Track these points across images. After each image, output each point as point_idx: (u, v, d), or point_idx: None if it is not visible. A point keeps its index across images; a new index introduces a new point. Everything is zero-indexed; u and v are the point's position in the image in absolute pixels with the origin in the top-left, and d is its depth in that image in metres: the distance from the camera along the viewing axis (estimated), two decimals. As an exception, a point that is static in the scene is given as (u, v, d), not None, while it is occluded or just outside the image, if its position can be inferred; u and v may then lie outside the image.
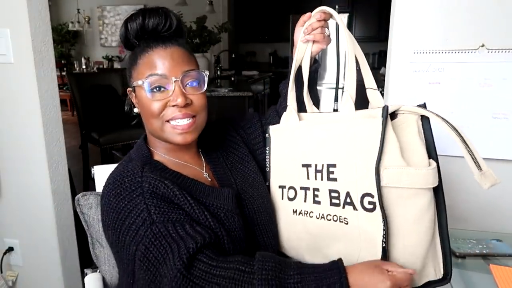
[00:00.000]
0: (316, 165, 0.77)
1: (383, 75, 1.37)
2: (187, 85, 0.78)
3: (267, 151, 0.90)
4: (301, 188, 0.81)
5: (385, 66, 1.35)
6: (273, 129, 0.90)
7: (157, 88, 0.76)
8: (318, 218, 0.77)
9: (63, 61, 6.92)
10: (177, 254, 0.63)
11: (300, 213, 0.81)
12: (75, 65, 6.69)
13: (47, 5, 1.50)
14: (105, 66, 6.76)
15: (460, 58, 1.15)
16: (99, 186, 1.07)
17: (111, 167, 1.06)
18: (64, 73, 6.08)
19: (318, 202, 0.77)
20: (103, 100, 3.19)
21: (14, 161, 1.56)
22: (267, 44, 6.84)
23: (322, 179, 0.76)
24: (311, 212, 0.79)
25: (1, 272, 1.67)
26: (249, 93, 3.43)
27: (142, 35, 0.80)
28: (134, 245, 0.68)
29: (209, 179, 0.86)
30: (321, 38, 0.85)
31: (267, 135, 0.90)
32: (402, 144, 0.67)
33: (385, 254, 0.66)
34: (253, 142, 0.97)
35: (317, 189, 0.77)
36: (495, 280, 0.86)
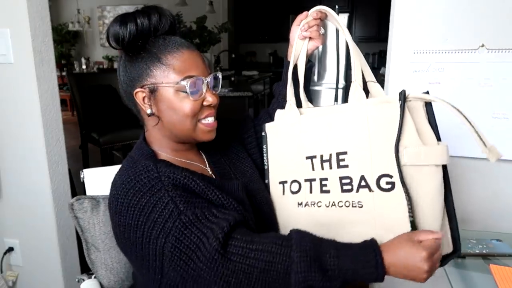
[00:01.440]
0: (322, 156, 0.80)
1: (383, 75, 1.37)
2: (213, 86, 0.83)
3: (264, 149, 0.92)
4: (306, 180, 0.83)
5: (385, 66, 1.35)
6: (269, 127, 0.92)
7: (194, 90, 0.78)
8: (328, 207, 0.79)
9: (63, 61, 6.93)
10: (212, 236, 0.64)
11: (306, 205, 0.82)
12: (75, 65, 6.69)
13: (47, 5, 1.50)
14: (105, 66, 6.76)
15: (460, 58, 1.15)
16: (90, 189, 1.05)
17: (101, 170, 1.06)
18: (64, 73, 6.08)
19: (327, 191, 0.79)
20: (103, 100, 3.19)
21: (14, 161, 1.56)
22: (267, 44, 6.85)
23: (331, 168, 0.78)
24: (319, 202, 0.80)
25: (1, 272, 1.67)
26: (249, 93, 3.43)
27: (146, 35, 0.79)
28: (163, 237, 0.67)
29: (213, 176, 0.88)
30: (317, 35, 0.90)
31: (263, 133, 0.92)
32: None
33: (414, 226, 0.70)
34: (248, 147, 1.00)
35: (325, 179, 0.79)
36: (495, 280, 0.86)
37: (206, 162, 0.91)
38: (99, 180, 1.04)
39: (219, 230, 0.64)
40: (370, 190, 0.73)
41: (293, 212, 0.84)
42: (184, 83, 0.76)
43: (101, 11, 7.15)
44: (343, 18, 5.73)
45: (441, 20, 1.16)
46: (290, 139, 0.86)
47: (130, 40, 0.78)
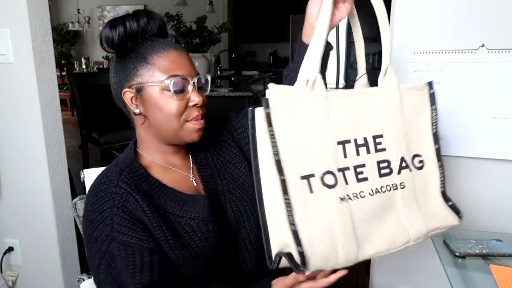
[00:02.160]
0: (356, 140, 0.72)
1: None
2: (202, 88, 0.82)
3: (271, 133, 0.66)
4: (339, 170, 0.70)
5: (385, 66, 1.35)
6: (279, 103, 0.68)
7: (180, 90, 0.78)
8: (372, 195, 0.72)
9: (63, 61, 6.92)
10: (132, 285, 0.70)
11: (349, 199, 0.70)
12: (75, 65, 6.69)
13: (47, 5, 1.50)
14: (105, 66, 6.76)
15: (460, 58, 1.15)
16: None
17: (101, 170, 1.05)
18: (64, 73, 6.08)
19: (365, 179, 0.72)
20: (103, 100, 3.18)
21: (14, 161, 1.56)
22: (267, 44, 6.84)
23: (369, 152, 0.73)
24: (361, 192, 0.71)
25: (1, 272, 1.67)
26: (249, 93, 3.43)
27: (135, 37, 0.80)
28: (98, 259, 0.73)
29: (194, 183, 0.86)
30: None
31: (266, 111, 0.66)
32: None
33: (446, 197, 0.79)
34: (242, 143, 0.95)
35: (362, 165, 0.72)
36: (495, 280, 0.86)
37: (192, 167, 0.88)
38: (99, 180, 1.04)
39: (138, 285, 0.70)
40: (410, 170, 0.77)
41: (336, 210, 0.68)
42: (168, 81, 0.77)
43: (101, 11, 7.16)
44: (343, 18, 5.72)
45: (441, 20, 1.16)
46: (315, 120, 0.69)
47: (119, 42, 0.80)
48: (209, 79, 0.84)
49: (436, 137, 0.80)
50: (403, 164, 0.76)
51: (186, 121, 0.79)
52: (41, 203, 1.58)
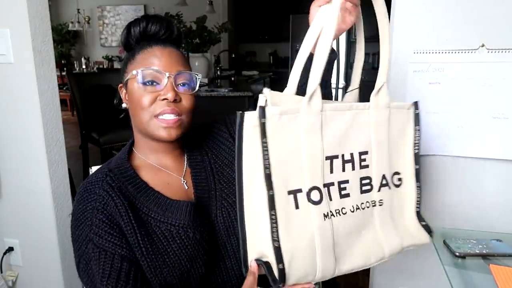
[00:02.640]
0: (343, 155, 0.72)
1: (383, 75, 1.37)
2: (179, 85, 0.80)
3: (264, 146, 0.64)
4: (325, 185, 0.69)
5: (385, 66, 1.35)
6: (274, 113, 0.65)
7: (150, 82, 0.78)
8: (353, 212, 0.72)
9: (63, 61, 6.92)
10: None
11: (332, 215, 0.69)
12: (75, 65, 6.69)
13: (47, 5, 1.50)
14: (105, 66, 6.76)
15: (460, 58, 1.15)
16: None
17: None
18: (64, 73, 6.08)
19: (347, 195, 0.72)
20: (103, 100, 3.18)
21: (14, 161, 1.56)
22: (267, 44, 6.84)
23: (353, 169, 0.73)
24: (343, 208, 0.71)
25: (1, 272, 1.67)
26: (249, 93, 3.43)
27: (142, 38, 0.83)
28: (77, 257, 0.76)
29: (186, 186, 0.85)
30: (352, 8, 0.75)
31: (261, 120, 0.63)
32: None
33: (420, 217, 0.81)
34: None
35: (345, 181, 0.72)
36: (495, 280, 0.86)
37: (185, 169, 0.87)
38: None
39: None
40: (389, 187, 0.78)
41: (319, 227, 0.67)
42: (135, 72, 0.78)
43: (101, 11, 7.15)
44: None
45: (441, 20, 1.16)
46: (309, 134, 0.68)
47: (124, 42, 0.84)
48: (198, 78, 0.81)
49: (417, 158, 0.81)
50: (384, 182, 0.77)
51: (154, 116, 0.78)
52: (41, 203, 1.58)
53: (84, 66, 6.56)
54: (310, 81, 0.68)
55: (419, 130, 0.81)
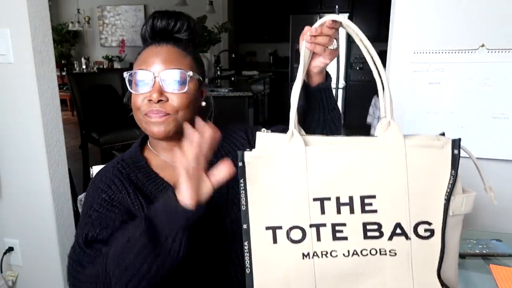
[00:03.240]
0: (338, 198, 0.69)
1: (383, 75, 1.37)
2: (169, 84, 0.77)
3: (241, 185, 0.70)
4: (312, 225, 0.69)
5: (385, 66, 1.35)
6: (252, 157, 0.70)
7: (140, 83, 0.78)
8: (347, 256, 0.69)
9: (63, 61, 6.92)
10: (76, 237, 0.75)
11: (315, 255, 0.69)
12: (75, 65, 6.69)
13: (47, 5, 1.50)
14: (105, 66, 6.76)
15: (460, 58, 1.15)
16: None
17: None
18: (64, 73, 6.08)
19: (344, 238, 0.69)
20: (103, 100, 3.19)
21: (14, 161, 1.56)
22: (267, 44, 6.84)
23: (352, 213, 0.69)
24: (333, 251, 0.69)
25: (1, 272, 1.67)
26: (249, 93, 3.43)
27: (153, 35, 0.83)
28: (80, 229, 0.78)
29: None
30: (321, 51, 0.74)
31: (239, 164, 0.70)
32: None
33: (440, 276, 0.69)
34: None
35: (341, 224, 0.69)
36: (495, 280, 0.86)
37: None
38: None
39: (82, 237, 0.73)
40: (407, 238, 0.69)
41: (295, 265, 0.69)
42: (125, 75, 0.79)
43: (101, 11, 7.15)
44: (343, 18, 5.73)
45: (441, 20, 1.16)
46: (289, 176, 0.69)
47: (142, 42, 0.85)
48: (188, 77, 0.78)
49: (448, 206, 0.69)
50: (398, 231, 0.69)
51: (145, 115, 0.78)
52: (41, 203, 1.58)
53: (84, 66, 6.56)
54: (290, 122, 0.70)
55: (454, 176, 0.70)
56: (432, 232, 0.68)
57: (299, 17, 5.73)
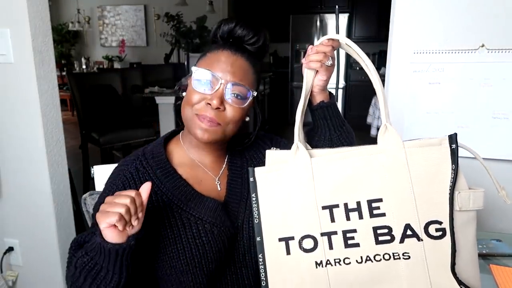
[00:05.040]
0: (346, 204, 0.70)
1: (383, 75, 1.37)
2: (231, 95, 0.78)
3: (253, 199, 0.75)
4: (323, 234, 0.70)
5: (385, 66, 1.36)
6: (261, 172, 0.75)
7: (204, 83, 0.78)
8: (360, 263, 0.69)
9: (63, 61, 6.92)
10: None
11: (328, 264, 0.70)
12: (75, 65, 6.69)
13: (47, 5, 1.50)
14: (105, 66, 6.76)
15: (460, 58, 1.15)
16: (99, 185, 1.07)
17: (110, 167, 1.07)
18: (64, 73, 6.08)
19: (355, 245, 0.69)
20: (103, 100, 3.19)
21: (14, 161, 1.56)
22: (267, 44, 6.84)
23: (361, 218, 0.69)
24: (346, 258, 0.69)
25: (1, 272, 1.67)
26: (249, 93, 3.42)
27: (227, 38, 0.83)
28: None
29: (219, 187, 0.86)
30: (317, 66, 0.78)
31: (251, 179, 0.75)
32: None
33: (456, 276, 0.68)
34: None
35: (352, 230, 0.70)
36: (495, 280, 0.86)
37: (222, 171, 0.87)
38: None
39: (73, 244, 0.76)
40: (418, 239, 0.69)
41: (309, 274, 0.70)
42: (194, 69, 0.79)
43: (101, 11, 7.15)
44: (343, 18, 5.74)
45: (441, 20, 1.16)
46: (297, 187, 0.72)
47: (212, 36, 0.85)
48: (253, 94, 0.80)
49: (452, 203, 0.69)
50: (408, 232, 0.69)
51: (196, 114, 0.78)
52: (41, 203, 1.58)
53: (84, 66, 6.56)
54: (295, 136, 0.75)
55: (455, 170, 0.70)
56: (444, 231, 0.68)
57: (299, 17, 5.73)
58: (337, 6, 1.45)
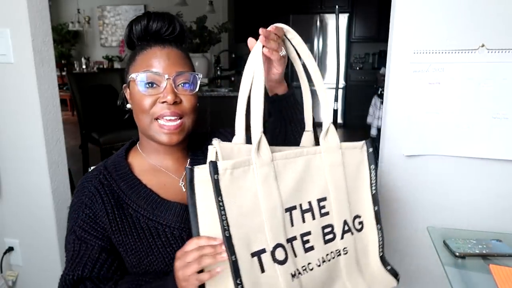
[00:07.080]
0: (301, 205, 0.67)
1: (383, 75, 1.37)
2: (179, 85, 0.79)
3: (220, 204, 0.58)
4: (288, 240, 0.65)
5: (385, 66, 1.35)
6: (226, 167, 0.60)
7: (150, 84, 0.77)
8: (319, 266, 0.68)
9: (63, 61, 6.92)
10: (65, 272, 0.76)
11: (299, 273, 0.65)
12: (75, 65, 6.69)
13: (47, 5, 1.50)
14: (105, 66, 6.76)
15: (460, 58, 1.15)
16: None
17: None
18: (64, 73, 6.08)
19: (311, 248, 0.67)
20: (103, 100, 3.19)
21: (14, 161, 1.56)
22: (267, 44, 6.83)
23: (314, 218, 0.68)
24: (309, 264, 0.66)
25: (1, 272, 1.67)
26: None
27: (145, 36, 0.82)
28: (66, 242, 0.80)
29: (183, 188, 0.85)
30: (269, 55, 0.73)
31: (214, 177, 0.59)
32: None
33: (384, 261, 0.76)
34: None
35: (307, 233, 0.67)
36: (495, 280, 0.86)
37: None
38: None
39: (70, 275, 0.76)
40: (352, 233, 0.74)
41: None
42: (134, 76, 0.78)
43: (101, 11, 7.15)
44: (343, 18, 5.74)
45: (441, 20, 1.16)
46: (265, 187, 0.63)
47: (126, 40, 0.84)
48: (199, 78, 0.81)
49: (375, 199, 0.77)
50: (346, 228, 0.73)
51: (155, 119, 0.78)
52: (41, 203, 1.58)
53: (84, 66, 6.57)
54: (253, 129, 0.63)
55: (374, 170, 0.77)
56: (362, 224, 0.76)
57: (299, 17, 5.73)
58: (337, 6, 1.46)
